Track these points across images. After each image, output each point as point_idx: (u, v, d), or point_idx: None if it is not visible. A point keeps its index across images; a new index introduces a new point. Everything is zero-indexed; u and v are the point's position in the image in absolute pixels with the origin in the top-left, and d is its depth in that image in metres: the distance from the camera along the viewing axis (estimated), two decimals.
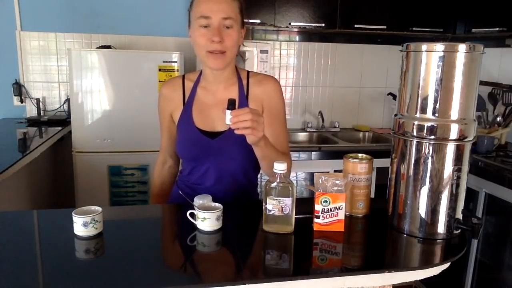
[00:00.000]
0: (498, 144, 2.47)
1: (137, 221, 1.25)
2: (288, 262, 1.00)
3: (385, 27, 2.76)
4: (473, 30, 2.71)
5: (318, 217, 1.10)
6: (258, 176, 1.47)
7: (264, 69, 2.67)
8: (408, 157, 1.11)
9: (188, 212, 1.12)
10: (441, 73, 1.04)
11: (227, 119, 1.10)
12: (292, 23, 2.66)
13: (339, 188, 1.10)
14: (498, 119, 2.56)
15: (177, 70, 2.44)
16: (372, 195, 1.25)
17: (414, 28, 2.80)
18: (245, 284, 0.88)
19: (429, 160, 1.08)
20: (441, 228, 1.10)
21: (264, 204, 1.08)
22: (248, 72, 1.40)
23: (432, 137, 1.07)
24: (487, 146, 2.36)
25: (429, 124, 1.07)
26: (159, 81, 2.42)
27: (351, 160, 1.21)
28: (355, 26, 2.72)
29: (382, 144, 2.85)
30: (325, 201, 1.09)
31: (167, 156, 1.52)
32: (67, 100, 2.79)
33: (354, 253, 1.07)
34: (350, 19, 2.72)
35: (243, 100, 1.35)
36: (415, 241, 1.10)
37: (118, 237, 1.09)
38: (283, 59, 3.09)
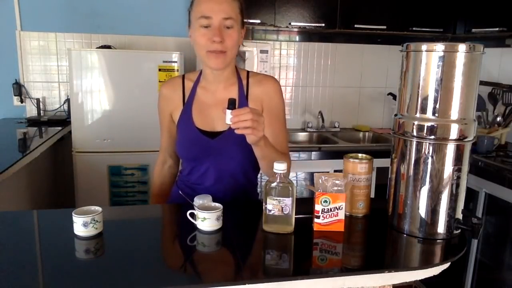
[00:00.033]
0: (498, 144, 2.47)
1: (137, 221, 1.25)
2: (288, 262, 1.00)
3: (385, 27, 2.76)
4: (473, 30, 2.71)
5: (318, 217, 1.10)
6: (258, 176, 1.47)
7: (264, 69, 2.67)
8: (408, 157, 1.11)
9: (188, 212, 1.12)
10: (441, 73, 1.04)
11: (227, 119, 1.10)
12: (292, 23, 2.66)
13: (339, 188, 1.10)
14: (498, 119, 2.56)
15: (177, 70, 2.44)
16: (372, 195, 1.25)
17: (414, 28, 2.80)
18: (245, 284, 0.88)
19: (429, 160, 1.08)
20: (441, 228, 1.10)
21: (264, 204, 1.08)
22: (248, 72, 1.40)
23: (432, 137, 1.07)
24: (487, 146, 2.36)
25: (429, 124, 1.07)
26: (159, 81, 2.42)
27: (351, 160, 1.21)
28: (355, 26, 2.72)
29: (382, 144, 2.85)
30: (325, 201, 1.09)
31: (167, 156, 1.52)
32: (67, 100, 2.79)
33: (354, 253, 1.06)
34: (350, 19, 2.72)
35: (243, 100, 1.35)
36: (415, 241, 1.10)
37: (118, 237, 1.09)
38: (283, 59, 3.09)
